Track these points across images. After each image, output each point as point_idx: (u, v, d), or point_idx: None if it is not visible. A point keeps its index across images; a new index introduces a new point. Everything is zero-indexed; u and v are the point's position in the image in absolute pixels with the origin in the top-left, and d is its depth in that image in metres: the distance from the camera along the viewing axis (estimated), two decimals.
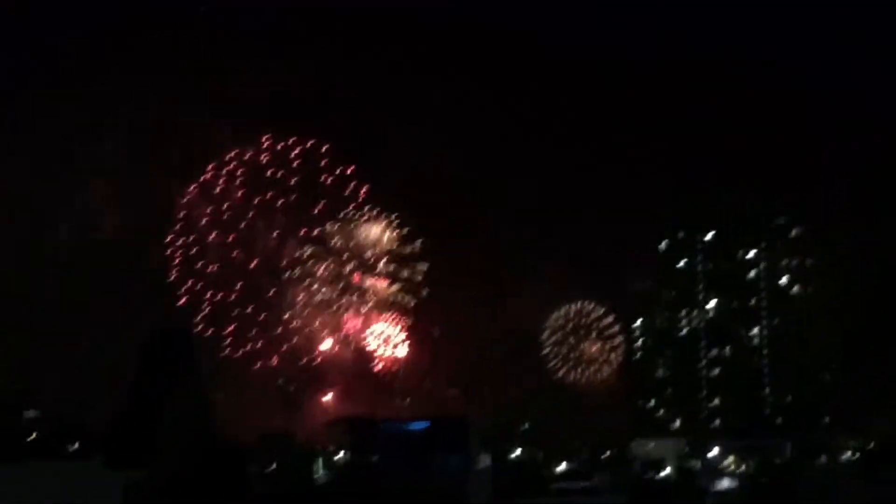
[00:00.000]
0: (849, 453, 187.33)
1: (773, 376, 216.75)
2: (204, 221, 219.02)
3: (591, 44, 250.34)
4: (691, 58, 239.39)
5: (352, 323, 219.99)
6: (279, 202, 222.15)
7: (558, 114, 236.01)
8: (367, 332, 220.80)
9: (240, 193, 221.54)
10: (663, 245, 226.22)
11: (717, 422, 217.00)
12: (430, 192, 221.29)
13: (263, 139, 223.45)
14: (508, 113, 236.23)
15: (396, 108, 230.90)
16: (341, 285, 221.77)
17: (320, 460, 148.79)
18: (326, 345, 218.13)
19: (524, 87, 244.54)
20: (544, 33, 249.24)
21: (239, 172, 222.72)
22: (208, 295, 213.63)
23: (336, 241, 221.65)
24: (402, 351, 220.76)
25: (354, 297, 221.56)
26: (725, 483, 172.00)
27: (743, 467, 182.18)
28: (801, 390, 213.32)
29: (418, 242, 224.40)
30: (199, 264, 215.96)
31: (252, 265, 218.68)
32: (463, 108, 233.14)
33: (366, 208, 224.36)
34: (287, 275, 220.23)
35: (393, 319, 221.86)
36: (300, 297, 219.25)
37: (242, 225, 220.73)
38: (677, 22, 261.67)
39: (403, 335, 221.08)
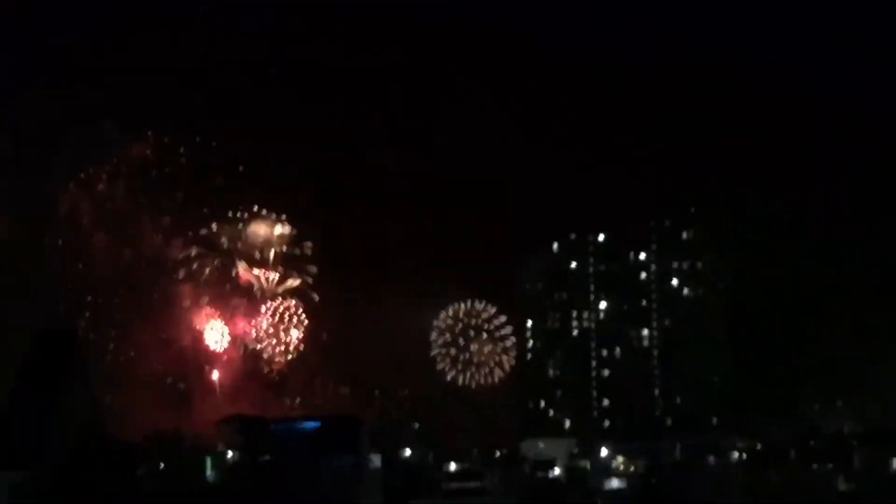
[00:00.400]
0: (736, 454, 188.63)
1: (663, 378, 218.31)
2: (86, 221, 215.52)
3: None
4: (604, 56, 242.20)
5: (240, 322, 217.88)
6: (166, 201, 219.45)
7: (451, 114, 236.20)
8: (255, 331, 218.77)
9: (124, 192, 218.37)
10: (555, 246, 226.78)
11: (607, 422, 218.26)
12: (320, 194, 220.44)
13: (149, 135, 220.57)
14: (393, 115, 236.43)
15: (286, 108, 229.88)
16: (228, 286, 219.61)
17: (209, 460, 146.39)
18: (215, 344, 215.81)
19: (411, 88, 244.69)
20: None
21: (124, 170, 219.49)
22: (92, 296, 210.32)
23: (224, 241, 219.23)
24: (292, 350, 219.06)
25: (243, 298, 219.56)
26: (615, 483, 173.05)
27: (632, 468, 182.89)
28: (690, 392, 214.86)
29: (307, 244, 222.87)
30: (83, 265, 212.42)
31: (138, 265, 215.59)
32: (353, 110, 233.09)
33: (254, 208, 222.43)
34: (174, 275, 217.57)
35: (282, 319, 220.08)
36: (187, 297, 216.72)
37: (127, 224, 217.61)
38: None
39: (294, 334, 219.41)
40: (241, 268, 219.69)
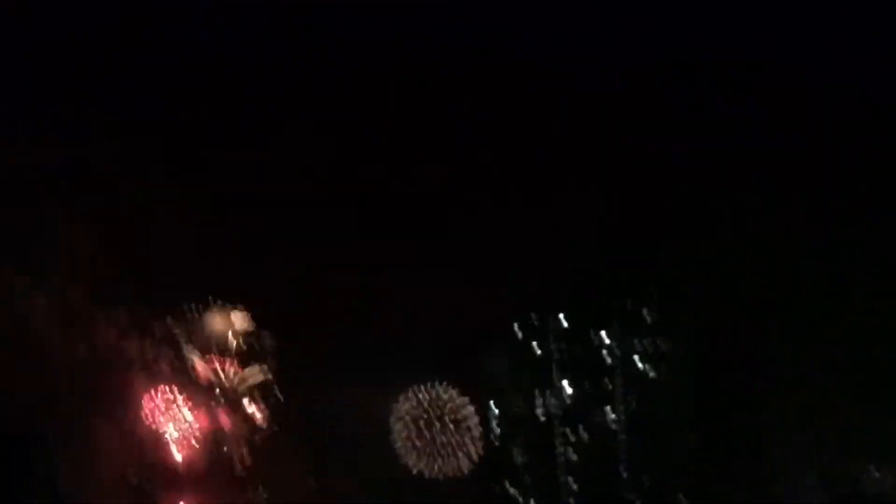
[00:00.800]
0: None
1: (630, 459, 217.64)
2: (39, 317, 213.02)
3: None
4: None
5: (201, 419, 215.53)
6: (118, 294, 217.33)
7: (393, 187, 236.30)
8: (215, 429, 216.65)
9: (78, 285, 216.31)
10: (517, 330, 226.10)
11: None
12: (278, 284, 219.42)
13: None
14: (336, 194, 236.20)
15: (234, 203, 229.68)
16: (186, 378, 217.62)
17: None
18: (174, 439, 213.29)
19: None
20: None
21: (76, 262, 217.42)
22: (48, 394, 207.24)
23: (179, 334, 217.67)
24: (256, 444, 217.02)
25: (201, 393, 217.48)
26: None
27: None
28: (657, 472, 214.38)
29: (266, 335, 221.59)
30: (37, 363, 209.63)
31: (93, 361, 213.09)
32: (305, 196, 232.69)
33: (209, 299, 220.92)
34: (131, 370, 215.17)
35: (241, 414, 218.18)
36: (145, 393, 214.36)
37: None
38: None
39: (257, 426, 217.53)
40: (198, 362, 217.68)
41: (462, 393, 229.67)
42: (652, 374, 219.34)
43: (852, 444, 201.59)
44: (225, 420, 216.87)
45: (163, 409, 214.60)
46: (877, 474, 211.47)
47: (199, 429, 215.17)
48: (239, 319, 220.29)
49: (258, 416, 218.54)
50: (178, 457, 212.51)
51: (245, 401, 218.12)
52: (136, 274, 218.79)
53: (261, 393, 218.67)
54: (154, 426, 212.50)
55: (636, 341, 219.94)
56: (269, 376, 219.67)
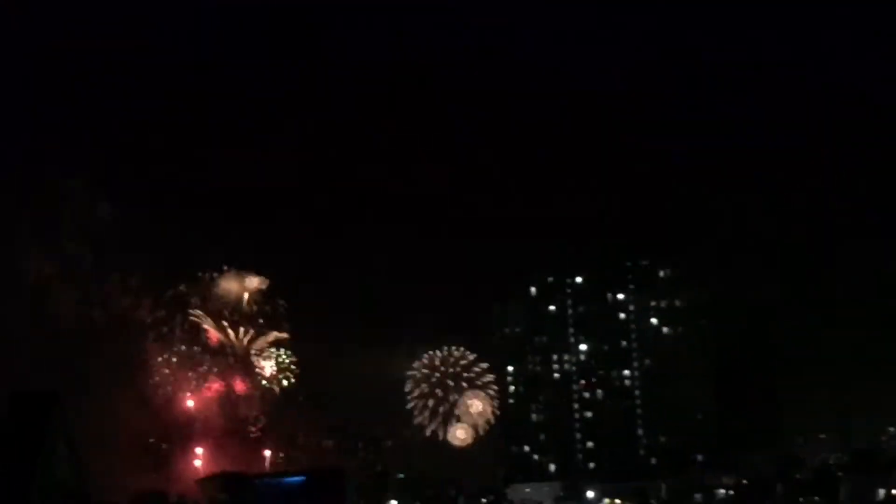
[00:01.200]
0: (723, 491, 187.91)
1: (646, 417, 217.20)
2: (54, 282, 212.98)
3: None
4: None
5: (215, 384, 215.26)
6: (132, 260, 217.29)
7: (424, 162, 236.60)
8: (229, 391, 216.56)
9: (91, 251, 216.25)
10: (533, 290, 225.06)
11: (592, 464, 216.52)
12: (291, 248, 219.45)
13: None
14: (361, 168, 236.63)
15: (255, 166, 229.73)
16: (198, 348, 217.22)
17: None
18: (189, 402, 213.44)
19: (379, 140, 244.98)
20: None
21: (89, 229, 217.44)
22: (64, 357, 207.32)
23: (194, 300, 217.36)
24: (270, 406, 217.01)
25: (215, 357, 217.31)
26: None
27: None
28: (674, 430, 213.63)
29: (281, 302, 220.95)
30: (52, 326, 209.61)
31: (108, 326, 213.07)
32: (323, 156, 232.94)
33: (224, 266, 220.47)
34: (145, 336, 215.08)
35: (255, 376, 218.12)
36: (160, 356, 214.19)
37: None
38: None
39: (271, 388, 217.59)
40: (210, 328, 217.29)
41: (477, 353, 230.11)
42: (667, 332, 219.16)
43: (871, 401, 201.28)
44: (239, 383, 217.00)
45: (177, 372, 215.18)
46: (892, 429, 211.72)
47: (214, 391, 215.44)
48: (254, 284, 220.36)
49: (272, 378, 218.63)
50: (194, 418, 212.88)
51: (259, 363, 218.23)
52: (150, 240, 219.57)
53: (275, 356, 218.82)
54: (169, 389, 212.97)
55: (651, 299, 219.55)
56: (284, 338, 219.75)
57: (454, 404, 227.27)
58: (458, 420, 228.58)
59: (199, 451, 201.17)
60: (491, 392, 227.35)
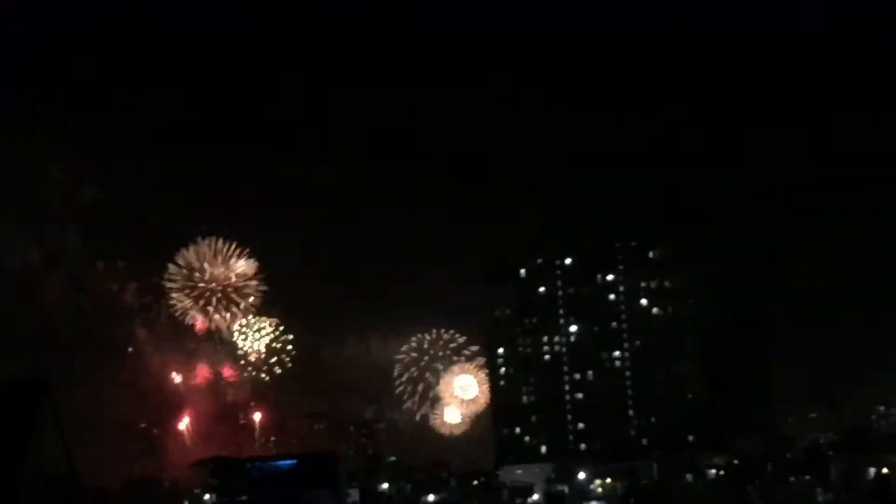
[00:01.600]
0: (714, 471, 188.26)
1: (637, 398, 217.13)
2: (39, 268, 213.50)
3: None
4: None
5: (203, 370, 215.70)
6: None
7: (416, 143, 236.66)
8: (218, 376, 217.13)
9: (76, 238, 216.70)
10: (522, 272, 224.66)
11: (583, 445, 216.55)
12: (282, 231, 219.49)
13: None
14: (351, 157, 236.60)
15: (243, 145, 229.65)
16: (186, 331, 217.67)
17: (186, 503, 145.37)
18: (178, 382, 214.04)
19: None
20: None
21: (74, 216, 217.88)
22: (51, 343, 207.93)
23: (179, 281, 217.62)
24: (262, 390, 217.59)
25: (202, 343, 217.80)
26: None
27: (611, 489, 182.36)
28: (665, 410, 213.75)
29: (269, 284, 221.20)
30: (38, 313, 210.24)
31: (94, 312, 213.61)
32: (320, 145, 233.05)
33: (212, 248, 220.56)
34: (132, 318, 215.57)
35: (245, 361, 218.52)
36: (146, 343, 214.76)
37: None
38: None
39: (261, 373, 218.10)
40: (197, 313, 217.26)
41: (468, 335, 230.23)
42: (657, 312, 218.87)
43: (862, 379, 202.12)
44: (227, 369, 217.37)
45: (166, 356, 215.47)
46: (882, 408, 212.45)
47: (203, 377, 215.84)
48: (243, 268, 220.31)
49: (258, 361, 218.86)
50: (184, 404, 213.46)
51: (249, 349, 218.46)
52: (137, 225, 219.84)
53: (266, 340, 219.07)
54: (159, 374, 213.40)
55: (641, 280, 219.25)
56: (275, 324, 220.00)
57: (443, 386, 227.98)
58: (447, 401, 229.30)
59: (189, 434, 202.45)
60: (481, 374, 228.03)
